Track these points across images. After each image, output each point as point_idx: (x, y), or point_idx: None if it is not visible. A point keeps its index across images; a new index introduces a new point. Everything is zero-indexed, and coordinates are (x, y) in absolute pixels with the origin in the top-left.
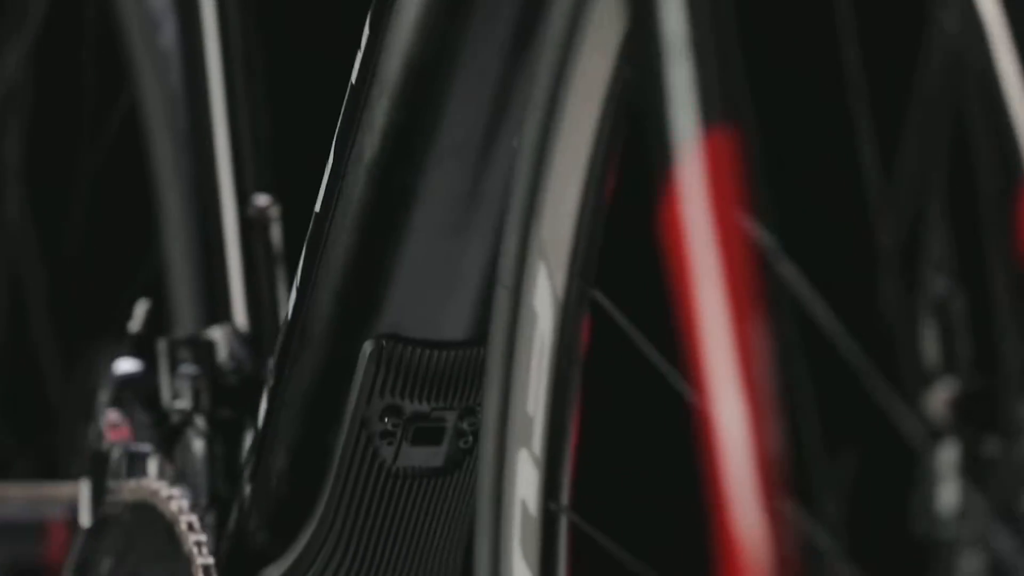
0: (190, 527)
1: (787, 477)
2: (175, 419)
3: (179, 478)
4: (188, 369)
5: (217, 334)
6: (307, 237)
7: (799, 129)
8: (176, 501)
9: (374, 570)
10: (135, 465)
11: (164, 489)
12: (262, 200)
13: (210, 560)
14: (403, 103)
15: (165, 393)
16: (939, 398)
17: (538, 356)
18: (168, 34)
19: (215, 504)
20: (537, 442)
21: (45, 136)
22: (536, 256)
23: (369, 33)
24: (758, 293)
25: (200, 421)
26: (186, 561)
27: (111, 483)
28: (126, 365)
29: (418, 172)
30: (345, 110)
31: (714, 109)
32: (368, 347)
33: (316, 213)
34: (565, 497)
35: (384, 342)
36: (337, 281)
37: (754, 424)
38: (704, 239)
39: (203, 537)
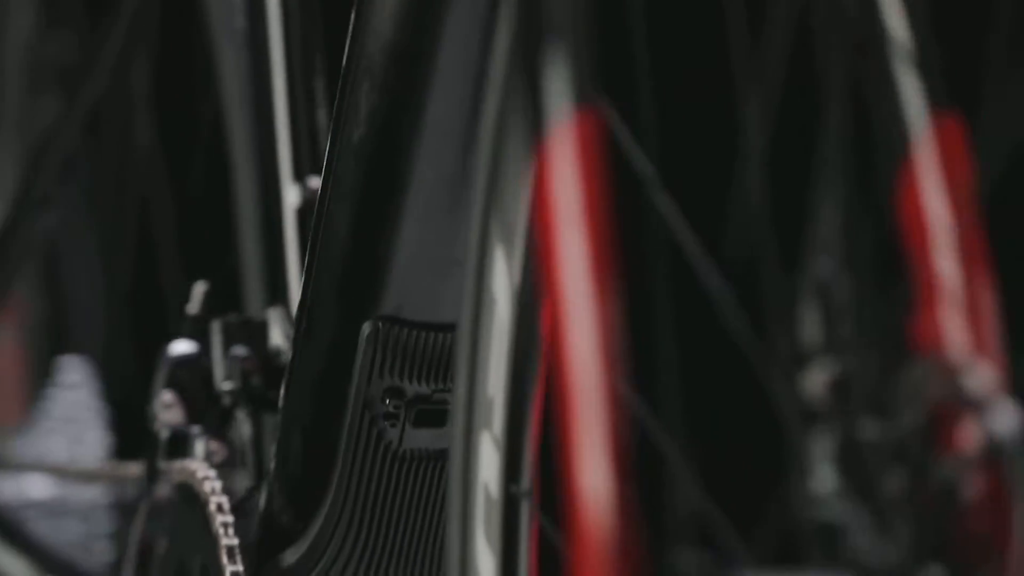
0: (219, 508)
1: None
2: (226, 400)
3: (230, 459)
4: (239, 351)
5: (271, 316)
6: (313, 221)
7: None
8: (210, 482)
9: (387, 552)
10: (183, 446)
11: (201, 470)
12: (315, 182)
13: (235, 541)
14: (386, 87)
15: (218, 374)
16: (817, 379)
17: (498, 339)
18: (239, 18)
19: (262, 485)
20: (498, 425)
21: (173, 61)
22: (495, 240)
23: (355, 17)
24: (618, 270)
25: (250, 402)
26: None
27: (163, 464)
28: (181, 347)
29: (405, 156)
30: (338, 95)
31: (587, 87)
32: (367, 329)
33: (318, 196)
34: (526, 481)
35: (381, 324)
36: (335, 265)
37: (608, 400)
38: (570, 211)
39: (230, 518)
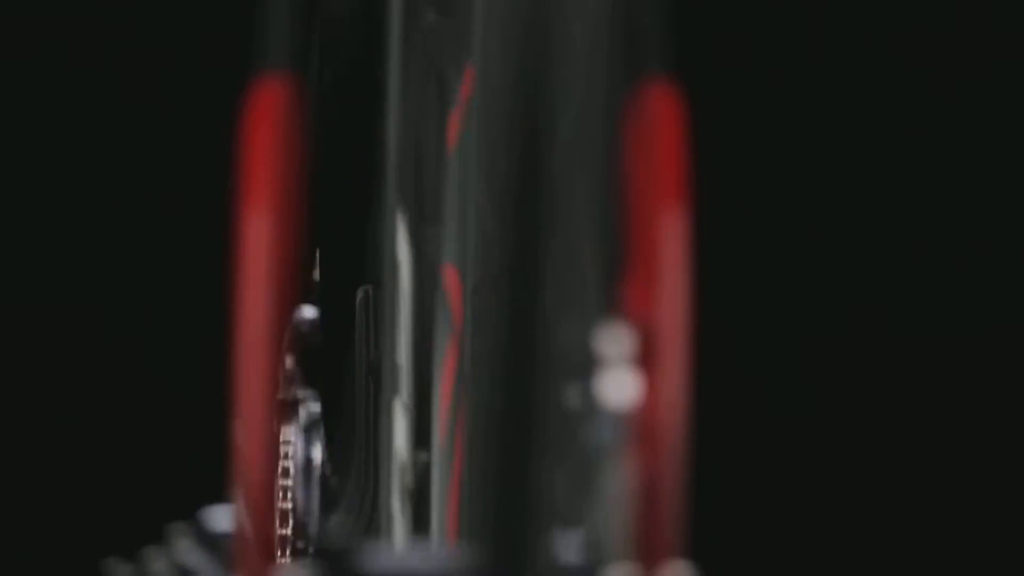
0: (284, 472)
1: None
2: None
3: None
4: None
5: None
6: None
7: None
8: (284, 446)
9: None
10: (289, 411)
11: (284, 434)
12: None
13: (288, 505)
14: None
15: None
16: None
17: (404, 303)
18: None
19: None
20: (405, 391)
21: None
22: (400, 202)
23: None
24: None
25: None
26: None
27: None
28: (306, 313)
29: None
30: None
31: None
32: (359, 295)
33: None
34: (434, 448)
35: (370, 290)
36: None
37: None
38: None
39: (290, 483)
